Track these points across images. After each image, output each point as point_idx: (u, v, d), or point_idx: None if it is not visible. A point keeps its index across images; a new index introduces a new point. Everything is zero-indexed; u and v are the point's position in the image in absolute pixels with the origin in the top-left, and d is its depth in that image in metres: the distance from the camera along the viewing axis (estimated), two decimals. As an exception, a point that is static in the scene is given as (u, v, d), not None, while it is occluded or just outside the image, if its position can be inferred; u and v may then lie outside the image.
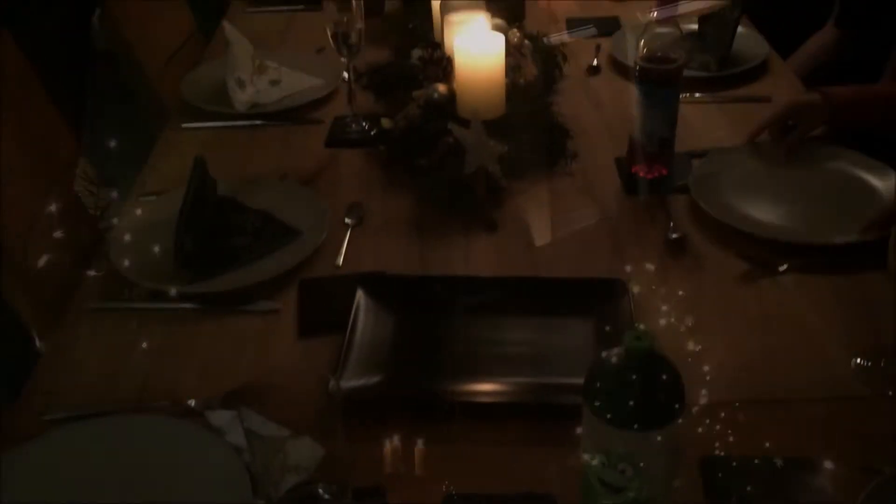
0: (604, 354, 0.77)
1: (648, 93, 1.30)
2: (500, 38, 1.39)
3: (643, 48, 1.29)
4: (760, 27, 1.85)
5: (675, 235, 1.24)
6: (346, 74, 1.62)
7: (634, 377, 0.74)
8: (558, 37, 1.82)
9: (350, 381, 1.00)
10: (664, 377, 0.75)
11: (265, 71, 1.74)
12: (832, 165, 1.37)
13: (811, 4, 1.99)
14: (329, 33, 1.50)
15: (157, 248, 1.22)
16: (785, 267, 1.17)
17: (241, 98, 1.64)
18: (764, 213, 1.28)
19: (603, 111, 1.62)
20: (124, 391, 1.03)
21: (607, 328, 1.06)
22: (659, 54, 1.29)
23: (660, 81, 1.29)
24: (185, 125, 1.62)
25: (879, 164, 1.34)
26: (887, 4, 1.63)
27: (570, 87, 1.69)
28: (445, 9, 1.55)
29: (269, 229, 1.28)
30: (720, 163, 1.39)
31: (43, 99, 1.48)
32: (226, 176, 1.36)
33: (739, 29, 1.71)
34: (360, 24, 1.48)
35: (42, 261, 1.34)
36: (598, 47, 1.81)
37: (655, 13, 1.27)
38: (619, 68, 1.74)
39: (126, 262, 1.21)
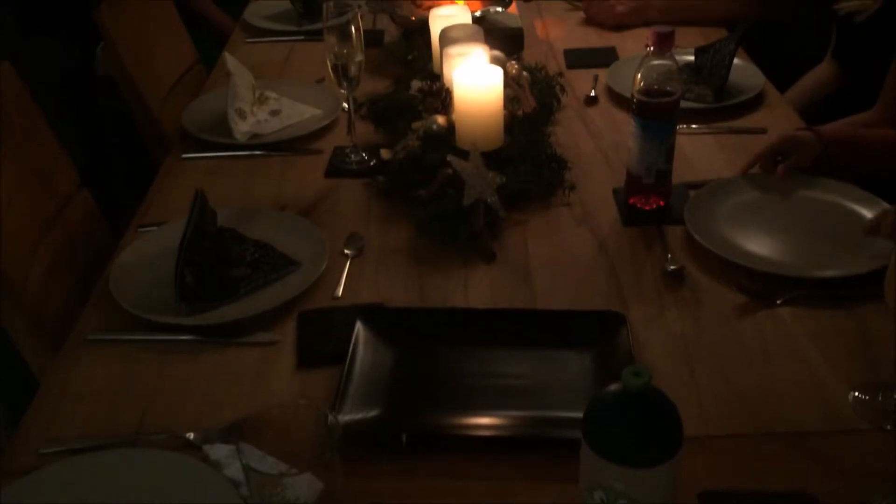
0: (602, 391, 0.77)
1: (646, 126, 1.31)
2: (498, 72, 1.41)
3: (640, 81, 1.30)
4: (757, 60, 1.86)
5: (672, 267, 1.25)
6: (345, 105, 1.63)
7: (632, 414, 0.74)
8: None
9: (348, 415, 1.00)
10: (662, 414, 0.75)
11: (265, 101, 1.75)
12: (827, 198, 1.38)
13: (808, 38, 2.02)
14: (329, 65, 1.51)
15: (156, 280, 1.23)
16: (782, 300, 1.17)
17: (242, 128, 1.65)
18: (760, 245, 1.28)
19: (601, 141, 1.63)
20: (123, 423, 1.03)
21: (606, 361, 1.06)
22: (656, 87, 1.30)
23: (657, 115, 1.31)
24: (185, 155, 1.62)
25: (873, 196, 1.34)
26: (883, 37, 1.65)
27: (568, 117, 1.71)
28: (444, 42, 1.57)
29: (268, 260, 1.28)
30: (715, 194, 1.40)
31: (43, 129, 1.50)
32: (226, 206, 1.37)
33: (736, 61, 1.73)
34: (360, 57, 1.49)
35: (41, 291, 1.34)
36: (595, 77, 1.83)
37: (651, 47, 1.28)
38: (617, 98, 1.75)
39: (125, 293, 1.21)
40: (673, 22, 2.03)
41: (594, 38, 2.07)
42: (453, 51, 1.52)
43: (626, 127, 1.37)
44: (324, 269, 1.26)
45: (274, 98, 1.77)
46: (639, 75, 1.31)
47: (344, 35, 1.49)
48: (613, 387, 0.76)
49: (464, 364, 1.10)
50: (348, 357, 1.08)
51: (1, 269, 1.27)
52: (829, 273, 1.20)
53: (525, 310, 1.20)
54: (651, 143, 1.32)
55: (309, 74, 1.93)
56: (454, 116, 1.46)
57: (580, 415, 0.77)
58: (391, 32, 2.08)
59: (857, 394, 1.02)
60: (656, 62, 1.30)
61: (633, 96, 1.31)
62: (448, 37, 1.58)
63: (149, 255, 1.29)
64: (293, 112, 1.73)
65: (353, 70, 1.49)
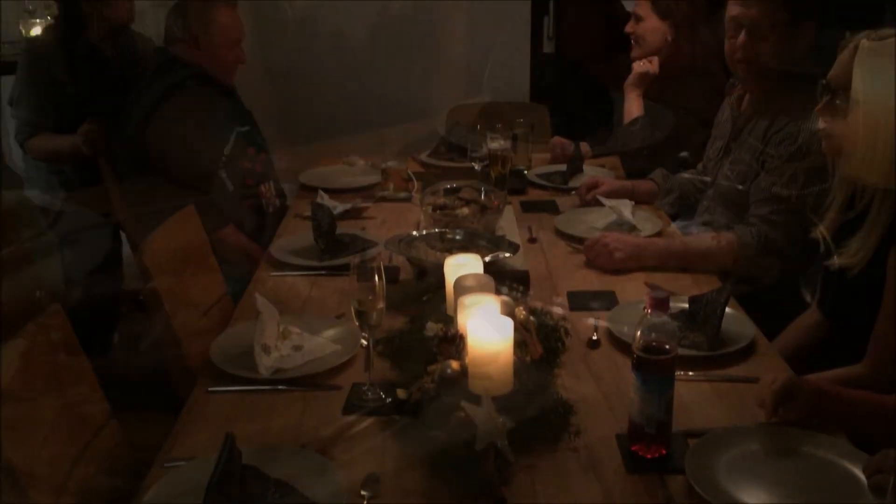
0: None
1: (646, 380, 1.42)
2: (508, 323, 1.53)
3: (640, 339, 1.42)
4: (744, 305, 2.00)
5: (675, 519, 1.31)
6: (363, 342, 1.75)
7: None
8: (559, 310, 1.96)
9: None
10: None
11: (289, 336, 1.87)
12: (819, 453, 1.45)
13: (794, 290, 2.16)
14: (353, 310, 1.64)
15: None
16: (782, 558, 1.23)
17: (266, 363, 1.76)
18: (757, 498, 1.34)
19: (603, 385, 1.72)
20: None
21: None
22: (654, 344, 1.42)
23: (656, 370, 1.42)
24: (211, 389, 1.71)
25: (863, 453, 1.42)
26: (865, 292, 1.76)
27: (572, 360, 1.81)
28: (459, 290, 1.70)
29: (288, 503, 1.34)
30: (713, 445, 1.47)
31: (86, 370, 1.60)
32: (249, 441, 1.44)
33: (727, 310, 1.85)
34: (381, 304, 1.62)
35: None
36: (596, 321, 1.95)
37: (649, 310, 1.41)
38: (617, 343, 1.86)
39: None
40: (667, 268, 2.23)
41: (594, 280, 2.22)
42: (467, 300, 1.65)
43: (627, 371, 1.48)
44: (341, 515, 1.32)
45: (296, 333, 1.88)
46: (638, 333, 1.43)
47: (366, 276, 1.62)
48: None
49: None
50: None
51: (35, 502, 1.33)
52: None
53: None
54: (651, 396, 1.42)
55: (330, 308, 2.06)
56: (467, 362, 1.56)
57: None
58: (406, 270, 2.24)
59: None
60: (654, 321, 1.42)
61: (633, 353, 1.43)
62: (462, 286, 1.71)
63: (174, 495, 1.35)
64: (314, 347, 1.84)
65: (374, 317, 1.62)
